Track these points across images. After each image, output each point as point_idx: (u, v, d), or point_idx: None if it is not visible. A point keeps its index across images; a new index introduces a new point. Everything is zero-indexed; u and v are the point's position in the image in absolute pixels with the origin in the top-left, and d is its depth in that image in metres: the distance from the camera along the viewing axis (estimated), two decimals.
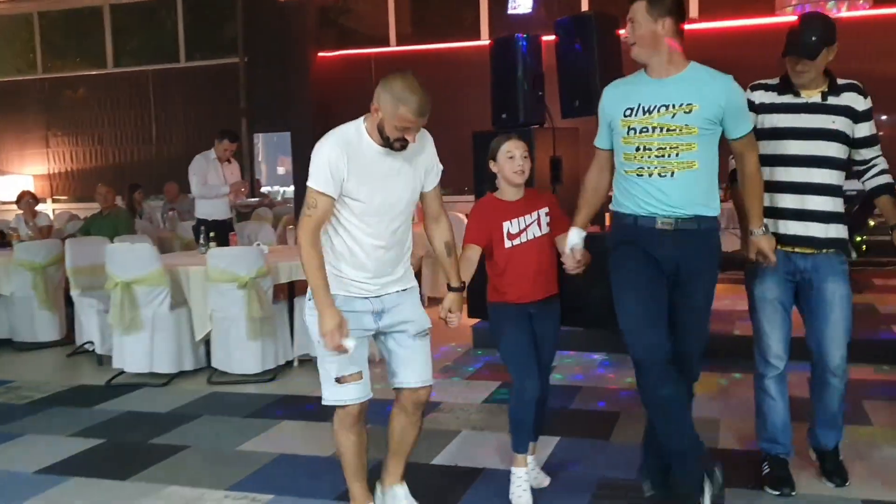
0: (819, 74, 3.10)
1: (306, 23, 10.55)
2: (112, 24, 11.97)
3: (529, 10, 8.08)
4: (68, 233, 8.02)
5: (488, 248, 3.25)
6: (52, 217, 10.91)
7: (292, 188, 9.35)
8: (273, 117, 10.60)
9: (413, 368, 2.94)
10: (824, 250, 3.12)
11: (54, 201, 12.34)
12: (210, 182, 7.00)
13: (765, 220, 3.04)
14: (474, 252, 3.22)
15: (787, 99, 3.14)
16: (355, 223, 2.80)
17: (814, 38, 2.99)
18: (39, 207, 11.86)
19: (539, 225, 3.25)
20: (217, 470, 3.78)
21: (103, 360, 5.84)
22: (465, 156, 6.14)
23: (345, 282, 2.82)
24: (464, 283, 3.08)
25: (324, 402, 2.90)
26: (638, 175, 2.89)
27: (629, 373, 3.27)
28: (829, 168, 3.10)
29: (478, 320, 6.13)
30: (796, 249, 3.13)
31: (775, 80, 3.20)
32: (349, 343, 2.71)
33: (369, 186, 2.75)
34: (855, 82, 3.17)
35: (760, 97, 3.17)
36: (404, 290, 2.94)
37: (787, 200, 3.12)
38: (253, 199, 10.60)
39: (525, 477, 3.25)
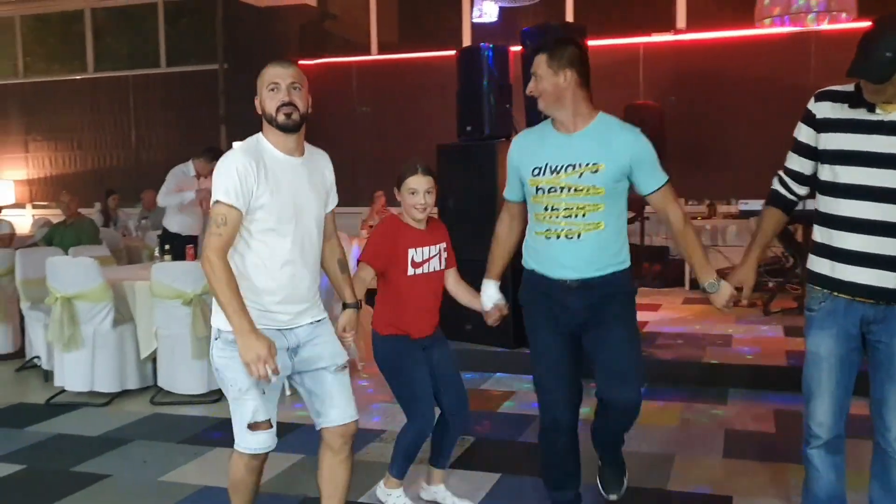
0: None
1: (287, 30, 10.37)
2: (93, 28, 11.80)
3: (495, 20, 7.85)
4: (34, 241, 7.82)
5: (383, 273, 3.15)
6: (30, 223, 10.75)
7: None
8: (253, 125, 10.38)
9: (337, 406, 2.76)
10: (890, 302, 2.54)
11: (34, 207, 12.16)
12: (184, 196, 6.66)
13: (821, 261, 2.62)
14: (367, 273, 3.13)
15: (859, 114, 2.52)
16: (264, 237, 2.61)
17: (888, 55, 2.35)
18: (20, 213, 11.80)
19: (440, 259, 3.22)
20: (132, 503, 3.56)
21: (49, 377, 5.62)
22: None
23: (255, 313, 2.56)
24: (359, 300, 2.98)
25: (235, 447, 2.71)
26: (546, 238, 2.84)
27: (590, 402, 3.03)
28: None
29: None
30: (857, 299, 2.57)
31: (848, 88, 2.57)
32: (272, 374, 2.50)
33: (278, 194, 2.59)
34: None
35: (825, 111, 2.57)
36: (318, 321, 2.77)
37: (852, 241, 2.55)
38: None
39: (402, 494, 3.35)
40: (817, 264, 2.64)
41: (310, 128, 2.70)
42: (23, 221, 11.18)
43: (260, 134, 2.66)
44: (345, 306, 2.97)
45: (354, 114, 10.27)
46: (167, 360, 5.15)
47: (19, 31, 12.23)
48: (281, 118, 2.57)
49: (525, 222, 3.00)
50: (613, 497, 3.19)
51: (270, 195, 2.57)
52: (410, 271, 3.13)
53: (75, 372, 5.19)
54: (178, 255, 5.95)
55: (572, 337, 2.90)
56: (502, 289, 3.15)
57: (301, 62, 10.33)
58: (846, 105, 2.53)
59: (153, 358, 5.27)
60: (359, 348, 5.69)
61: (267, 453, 2.73)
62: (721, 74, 8.69)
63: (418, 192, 3.10)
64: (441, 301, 3.26)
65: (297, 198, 2.64)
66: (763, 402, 4.77)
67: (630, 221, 7.03)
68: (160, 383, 5.23)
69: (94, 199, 10.47)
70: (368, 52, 10.45)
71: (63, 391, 5.27)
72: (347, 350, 2.90)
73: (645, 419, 4.45)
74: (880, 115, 2.48)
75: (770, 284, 7.61)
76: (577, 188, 2.75)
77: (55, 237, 7.19)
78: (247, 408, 2.63)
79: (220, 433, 4.46)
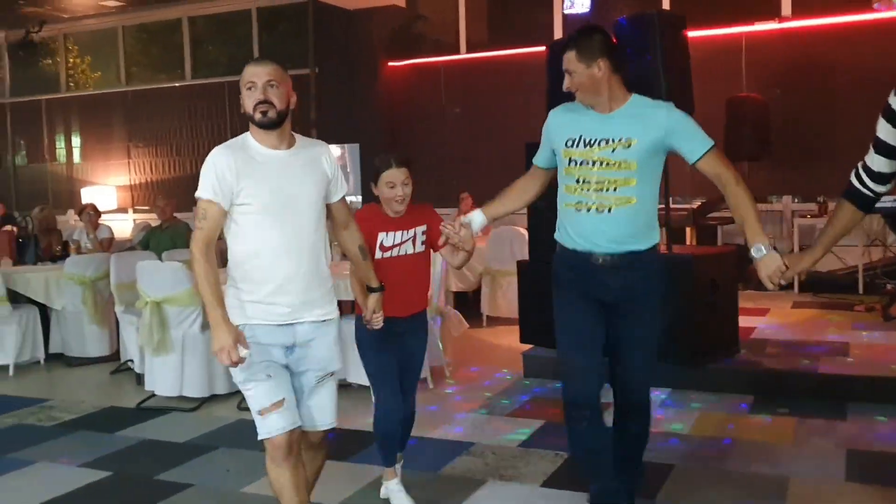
0: None
1: (376, 32, 10.33)
2: (191, 36, 12.07)
3: (587, 10, 7.53)
4: (132, 245, 8.00)
5: None
6: (131, 228, 11.06)
7: (360, 198, 9.12)
8: (343, 128, 10.41)
9: (311, 412, 2.80)
10: None
11: (135, 212, 12.53)
12: None
13: None
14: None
15: None
16: (255, 228, 2.66)
17: None
18: (122, 217, 12.18)
19: (414, 243, 3.31)
20: None
21: (141, 380, 5.67)
22: (519, 168, 5.71)
23: (249, 306, 2.65)
24: (382, 283, 3.09)
25: (260, 438, 2.71)
26: (577, 210, 2.86)
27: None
28: None
29: (530, 346, 5.67)
30: None
31: None
32: (243, 353, 2.54)
33: (263, 186, 2.64)
34: None
35: None
36: (322, 321, 2.76)
37: None
38: None
39: (400, 487, 3.40)
40: None
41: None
42: (125, 226, 11.53)
43: (248, 132, 2.72)
44: (369, 289, 3.08)
45: (443, 114, 10.14)
46: None
47: (122, 41, 12.63)
48: (258, 116, 2.63)
49: (543, 189, 3.11)
50: None
51: (254, 187, 2.62)
52: (378, 254, 3.23)
53: (165, 376, 5.21)
54: None
55: (599, 310, 2.91)
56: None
57: (390, 63, 10.29)
58: None
59: None
60: (447, 354, 5.53)
61: (293, 443, 2.68)
62: (830, 64, 8.13)
63: (396, 185, 3.19)
64: (421, 285, 3.38)
65: (287, 189, 2.66)
66: (888, 419, 4.34)
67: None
68: None
69: (192, 204, 10.68)
70: (457, 52, 10.29)
71: (153, 395, 5.30)
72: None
73: (754, 435, 4.14)
74: None
75: (888, 286, 7.04)
76: (610, 162, 2.79)
77: (151, 241, 7.31)
78: (252, 398, 2.68)
79: None
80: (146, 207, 12.47)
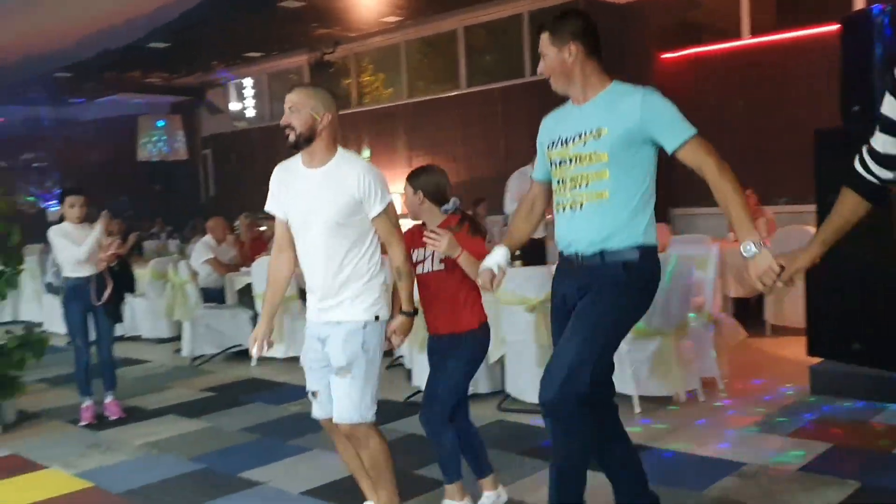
0: None
1: (649, 25, 9.93)
2: (465, 45, 12.48)
3: None
4: None
5: None
6: None
7: None
8: None
9: (335, 403, 3.04)
10: None
11: (415, 219, 13.19)
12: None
13: None
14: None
15: None
16: (296, 238, 3.07)
17: None
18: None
19: (432, 261, 3.28)
20: None
21: (411, 376, 5.88)
22: (808, 160, 5.14)
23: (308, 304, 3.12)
24: (415, 309, 3.14)
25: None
26: (557, 212, 2.80)
27: None
28: None
29: (820, 360, 5.05)
30: None
31: None
32: (265, 350, 3.14)
33: (292, 201, 3.02)
34: None
35: None
36: (337, 322, 2.99)
37: None
38: None
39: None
40: None
41: None
42: None
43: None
44: (400, 311, 3.14)
45: (722, 106, 9.48)
46: (514, 366, 5.08)
47: (404, 56, 13.39)
48: (288, 140, 2.94)
49: (547, 203, 2.99)
50: None
51: (288, 202, 3.04)
52: (416, 269, 3.29)
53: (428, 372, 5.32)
54: (533, 261, 5.89)
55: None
56: None
57: (663, 56, 9.84)
58: None
59: (503, 363, 5.23)
60: (721, 365, 5.10)
61: (331, 429, 3.14)
62: None
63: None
64: (446, 305, 3.29)
65: (307, 204, 2.97)
66: None
67: None
68: (508, 389, 5.18)
69: (466, 209, 11.04)
70: (738, 38, 9.57)
71: (419, 391, 5.45)
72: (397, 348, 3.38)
73: None
74: None
75: None
76: (581, 157, 2.68)
77: None
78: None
79: None
80: None
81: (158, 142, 15.19)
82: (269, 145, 15.63)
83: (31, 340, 5.42)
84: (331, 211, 2.91)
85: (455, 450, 3.40)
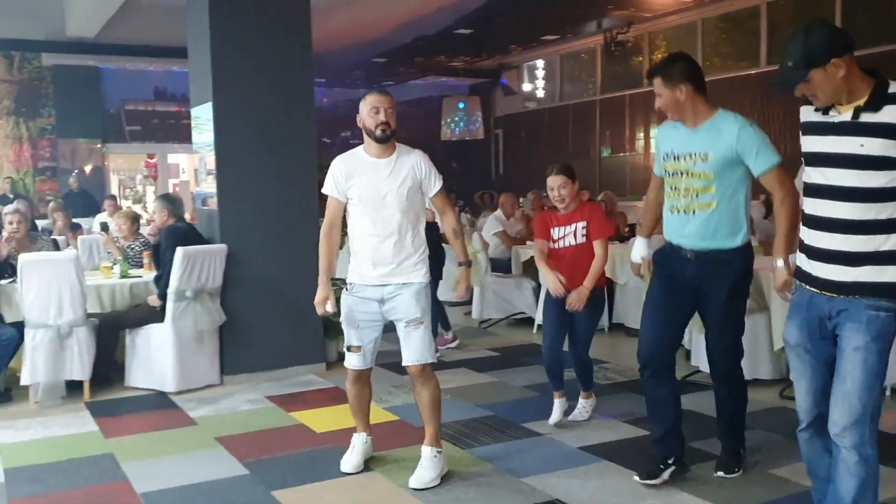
0: (842, 89, 2.52)
1: None
2: (768, 21, 11.91)
3: None
4: None
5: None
6: None
7: None
8: None
9: (406, 350, 3.72)
10: (846, 295, 2.62)
11: None
12: None
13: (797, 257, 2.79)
14: (541, 244, 4.45)
15: (819, 117, 2.67)
16: (357, 218, 3.71)
17: (789, 64, 2.55)
18: None
19: (575, 236, 4.35)
20: (738, 491, 3.61)
21: (690, 356, 5.95)
22: None
23: (358, 271, 3.73)
24: (469, 259, 3.89)
25: (345, 365, 3.88)
26: (671, 212, 3.52)
27: None
28: (860, 201, 2.56)
29: None
30: (821, 291, 2.68)
31: None
32: (330, 308, 3.75)
33: (362, 186, 3.66)
34: None
35: (805, 115, 2.74)
36: (403, 284, 3.69)
37: (807, 236, 2.72)
38: None
39: (558, 406, 4.57)
40: (797, 258, 2.81)
41: None
42: None
43: (362, 145, 3.75)
44: (459, 264, 3.88)
45: None
46: None
47: (701, 33, 13.08)
48: (378, 132, 3.63)
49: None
50: (720, 473, 3.72)
51: (356, 186, 3.67)
52: (552, 245, 4.41)
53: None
54: None
55: (684, 294, 3.52)
56: None
57: None
58: (817, 109, 2.66)
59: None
60: None
61: (361, 377, 3.87)
62: None
63: (554, 189, 4.31)
64: (582, 267, 4.31)
65: (379, 190, 3.64)
66: None
67: None
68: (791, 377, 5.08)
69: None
70: None
71: (698, 371, 5.53)
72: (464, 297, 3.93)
73: None
74: (833, 116, 2.60)
75: None
76: (692, 173, 3.37)
77: None
78: (345, 335, 3.82)
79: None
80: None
81: (459, 122, 16.24)
82: (556, 125, 16.09)
83: None
84: (403, 191, 3.64)
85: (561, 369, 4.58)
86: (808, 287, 2.71)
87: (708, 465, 3.85)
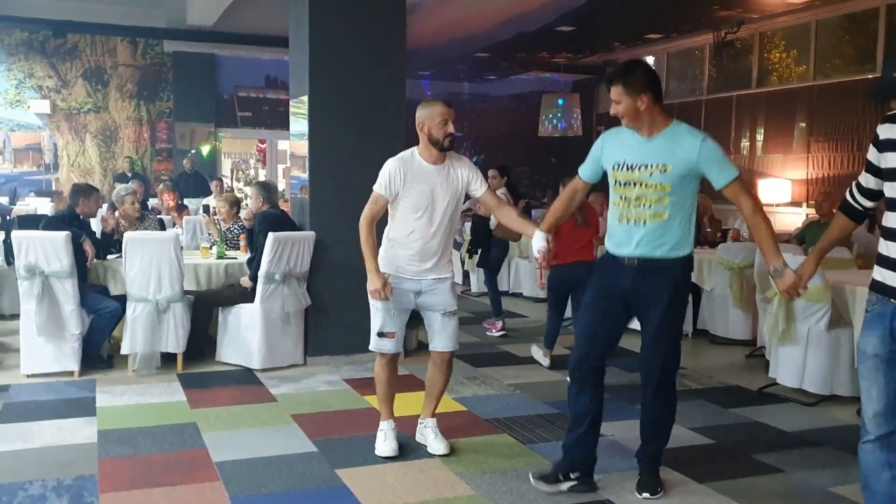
0: None
1: None
2: (886, 25, 11.36)
3: None
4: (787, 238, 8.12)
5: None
6: (802, 221, 11.11)
7: None
8: None
9: (440, 338, 4.04)
10: None
11: (808, 206, 12.47)
12: None
13: (877, 269, 2.79)
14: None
15: None
16: (406, 217, 3.90)
17: (894, 75, 1.96)
18: (795, 211, 12.30)
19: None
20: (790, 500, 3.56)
21: (768, 367, 5.84)
22: None
23: (395, 264, 3.94)
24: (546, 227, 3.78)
25: (370, 348, 4.06)
26: (619, 221, 3.45)
27: None
28: None
29: None
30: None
31: None
32: (388, 293, 3.86)
33: (418, 190, 3.87)
34: None
35: (886, 132, 2.76)
36: (439, 278, 3.98)
37: (891, 249, 2.73)
38: None
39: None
40: (875, 272, 2.81)
41: None
42: (796, 219, 11.60)
43: (415, 147, 3.95)
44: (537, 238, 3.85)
45: None
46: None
47: (814, 35, 12.59)
48: (446, 143, 3.86)
49: (584, 199, 4.01)
50: (645, 495, 3.60)
51: (412, 189, 3.86)
52: None
53: (788, 366, 5.29)
54: None
55: (619, 301, 3.50)
56: None
57: None
58: None
59: None
60: None
61: (394, 359, 4.07)
62: None
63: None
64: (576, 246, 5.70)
65: (433, 192, 3.88)
66: None
67: None
68: None
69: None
70: None
71: (775, 383, 5.43)
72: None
73: None
74: None
75: None
76: (647, 184, 3.33)
77: (808, 235, 7.33)
78: (377, 320, 4.00)
79: None
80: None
81: (557, 119, 16.17)
82: None
83: None
84: (453, 197, 3.91)
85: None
86: (891, 300, 2.72)
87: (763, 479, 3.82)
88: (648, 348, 3.50)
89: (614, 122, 3.46)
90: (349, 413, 4.88)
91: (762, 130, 13.50)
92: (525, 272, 9.56)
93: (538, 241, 3.68)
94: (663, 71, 16.19)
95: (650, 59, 15.90)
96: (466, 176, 3.96)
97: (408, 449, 4.17)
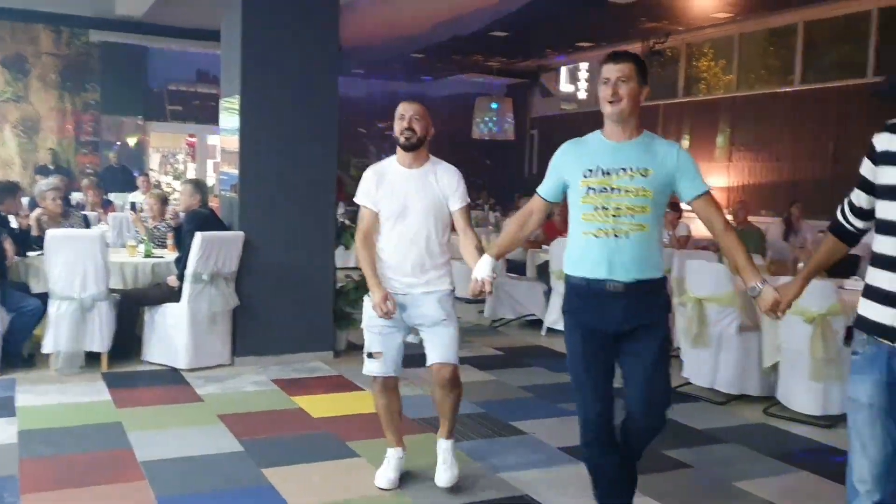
0: None
1: None
2: (804, 40, 11.89)
3: None
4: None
5: None
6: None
7: None
8: None
9: (434, 351, 3.66)
10: None
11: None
12: None
13: (862, 301, 2.43)
14: None
15: None
16: (385, 227, 3.66)
17: None
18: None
19: None
20: (698, 500, 3.76)
21: (680, 367, 6.09)
22: None
23: (383, 281, 3.62)
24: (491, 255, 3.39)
25: (363, 372, 3.78)
26: (595, 237, 2.98)
27: None
28: None
29: None
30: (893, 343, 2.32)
31: None
32: (390, 305, 3.53)
33: (391, 197, 3.62)
34: None
35: (884, 143, 2.41)
36: (427, 292, 3.65)
37: (882, 279, 2.36)
38: None
39: None
40: (862, 307, 2.46)
41: None
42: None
43: (396, 155, 3.70)
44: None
45: None
46: (787, 374, 5.11)
47: (737, 47, 13.06)
48: (402, 139, 3.59)
49: (542, 222, 3.34)
50: None
51: (385, 197, 3.62)
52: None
53: (700, 368, 5.54)
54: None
55: (610, 340, 3.03)
56: None
57: None
58: None
59: (775, 370, 5.28)
60: None
61: (387, 384, 3.76)
62: None
63: None
64: None
65: (405, 199, 3.59)
66: None
67: None
68: (778, 396, 5.22)
69: (783, 210, 10.68)
70: None
71: (688, 383, 5.68)
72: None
73: None
74: None
75: None
76: (628, 189, 2.95)
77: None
78: (366, 341, 3.73)
79: (812, 456, 4.35)
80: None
81: (490, 122, 16.40)
82: (591, 129, 16.15)
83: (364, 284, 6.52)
84: (429, 203, 3.60)
85: None
86: (885, 341, 2.33)
87: (675, 474, 4.02)
88: (648, 381, 3.03)
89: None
90: (276, 413, 4.92)
91: (687, 138, 13.95)
92: (459, 273, 9.65)
93: (483, 268, 3.22)
94: (594, 78, 16.52)
95: (583, 66, 16.23)
96: (446, 185, 3.65)
97: (413, 480, 3.90)
